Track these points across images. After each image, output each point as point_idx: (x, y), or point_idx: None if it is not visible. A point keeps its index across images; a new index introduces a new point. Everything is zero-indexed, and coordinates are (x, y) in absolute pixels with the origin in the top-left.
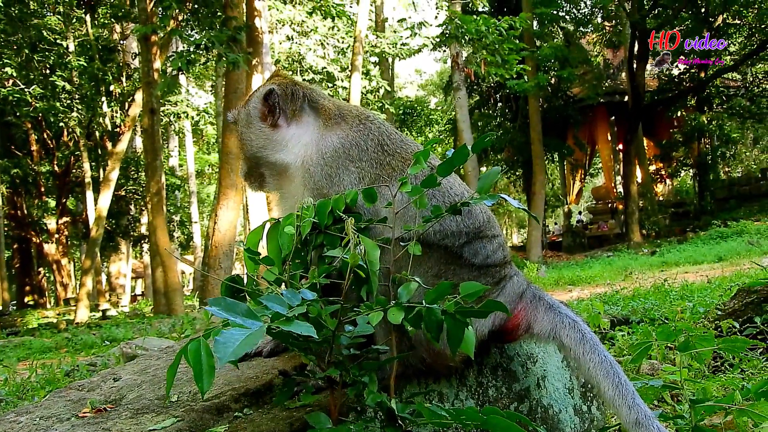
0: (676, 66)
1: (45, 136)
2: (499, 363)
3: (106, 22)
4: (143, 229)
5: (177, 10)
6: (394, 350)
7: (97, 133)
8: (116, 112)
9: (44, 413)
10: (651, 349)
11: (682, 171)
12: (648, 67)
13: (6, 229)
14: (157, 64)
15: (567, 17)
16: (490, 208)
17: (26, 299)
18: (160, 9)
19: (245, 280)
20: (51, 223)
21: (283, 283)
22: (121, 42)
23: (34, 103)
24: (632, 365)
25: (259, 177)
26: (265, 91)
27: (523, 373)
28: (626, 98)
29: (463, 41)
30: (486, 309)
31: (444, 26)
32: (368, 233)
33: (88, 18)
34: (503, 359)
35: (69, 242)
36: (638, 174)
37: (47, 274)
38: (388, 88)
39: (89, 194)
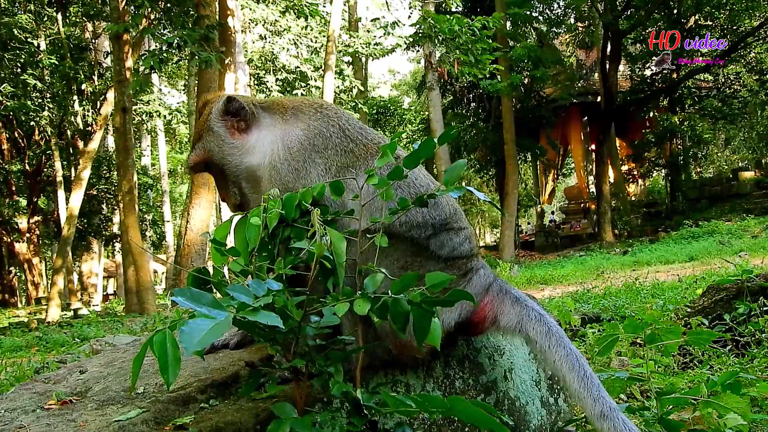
0: (649, 67)
1: (16, 134)
2: (466, 355)
3: (78, 20)
4: (115, 229)
5: (149, 9)
6: (361, 341)
7: (68, 132)
8: (88, 111)
9: (9, 405)
10: (618, 342)
11: (654, 171)
12: (620, 67)
13: None
14: (129, 63)
15: (540, 18)
16: (461, 204)
17: None
18: (132, 7)
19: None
20: (22, 222)
21: (250, 275)
22: (93, 41)
23: (4, 101)
24: (600, 358)
25: (238, 191)
26: (222, 103)
27: (490, 365)
28: (599, 99)
29: (437, 41)
30: (452, 298)
31: (417, 26)
32: (335, 225)
33: (59, 16)
34: (470, 351)
35: (40, 241)
36: (611, 174)
37: (18, 274)
38: (362, 88)
39: (61, 193)
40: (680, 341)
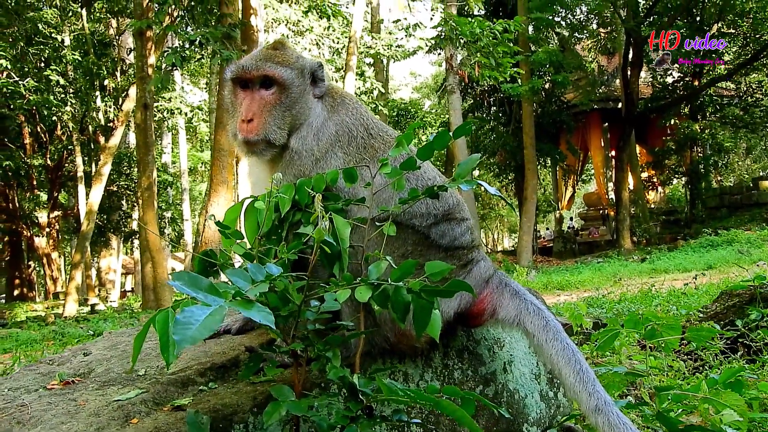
0: (671, 74)
1: (38, 129)
2: (465, 346)
3: (102, 16)
4: (134, 225)
5: (173, 6)
6: (361, 327)
7: (90, 128)
8: (110, 107)
9: (13, 384)
10: (627, 345)
11: (674, 179)
12: (642, 74)
13: None
14: (152, 60)
15: (562, 23)
16: (479, 208)
17: (15, 292)
18: (156, 4)
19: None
20: (42, 216)
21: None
22: (117, 37)
23: (28, 96)
24: (600, 351)
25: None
26: (317, 64)
27: (490, 357)
28: (620, 105)
29: (458, 43)
30: (451, 288)
31: (439, 28)
32: (345, 213)
33: (84, 12)
34: (470, 342)
35: (60, 236)
36: (630, 181)
37: (37, 268)
38: (382, 90)
39: (81, 188)
40: (679, 336)
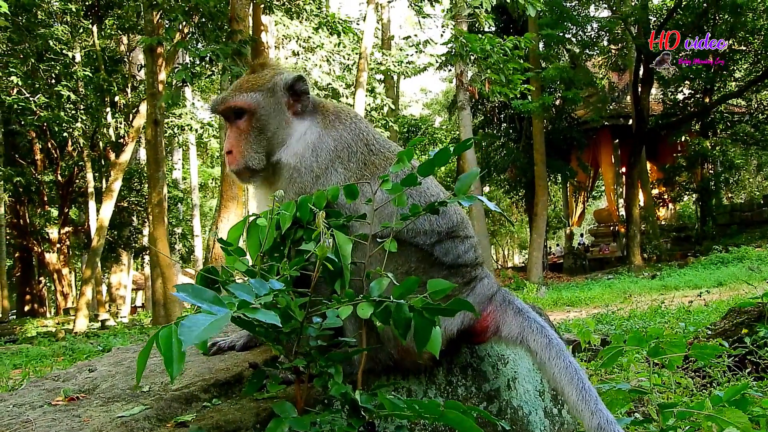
0: (681, 91)
1: (49, 145)
2: (469, 363)
3: (113, 33)
4: (145, 241)
5: (183, 23)
6: (363, 344)
7: (101, 144)
8: (120, 123)
9: (18, 401)
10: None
11: (685, 196)
12: (653, 91)
13: (8, 237)
14: (162, 76)
15: (573, 39)
16: (489, 225)
17: (26, 308)
18: (166, 21)
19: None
20: (53, 232)
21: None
22: (128, 53)
23: (39, 112)
24: (604, 368)
25: (265, 170)
26: (294, 78)
27: (494, 373)
28: (630, 122)
29: (468, 60)
30: (453, 307)
31: (449, 44)
32: (347, 230)
33: (95, 29)
34: (474, 359)
35: (70, 252)
36: (641, 197)
37: (48, 284)
38: (393, 106)
39: (92, 204)
40: (683, 354)
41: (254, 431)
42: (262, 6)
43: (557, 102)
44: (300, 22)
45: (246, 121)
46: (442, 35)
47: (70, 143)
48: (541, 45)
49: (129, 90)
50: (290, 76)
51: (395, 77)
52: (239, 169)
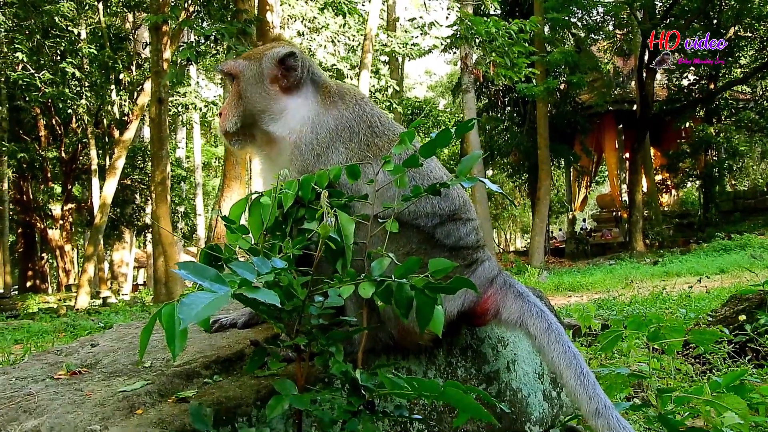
0: (686, 77)
1: (53, 122)
2: (469, 344)
3: (119, 10)
4: (147, 219)
5: (189, 1)
6: (364, 324)
7: (105, 121)
8: (125, 101)
9: (20, 374)
10: (636, 348)
11: (688, 182)
12: (657, 76)
13: (11, 213)
14: (167, 54)
15: (578, 23)
16: (492, 208)
17: (28, 284)
18: None
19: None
20: (56, 208)
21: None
22: (133, 31)
23: (43, 88)
24: (603, 353)
25: (248, 137)
26: (285, 53)
27: (494, 355)
28: (635, 107)
29: (473, 43)
30: (454, 285)
31: (454, 27)
32: (348, 210)
33: (100, 6)
34: (474, 341)
35: (73, 229)
36: (644, 183)
37: (50, 260)
38: (397, 88)
39: (95, 181)
40: (682, 339)
41: (255, 408)
42: None
43: (562, 86)
44: (306, 2)
45: (235, 85)
46: (447, 17)
47: (74, 120)
48: (546, 29)
49: (134, 68)
50: (283, 50)
51: (400, 59)
52: (222, 131)
